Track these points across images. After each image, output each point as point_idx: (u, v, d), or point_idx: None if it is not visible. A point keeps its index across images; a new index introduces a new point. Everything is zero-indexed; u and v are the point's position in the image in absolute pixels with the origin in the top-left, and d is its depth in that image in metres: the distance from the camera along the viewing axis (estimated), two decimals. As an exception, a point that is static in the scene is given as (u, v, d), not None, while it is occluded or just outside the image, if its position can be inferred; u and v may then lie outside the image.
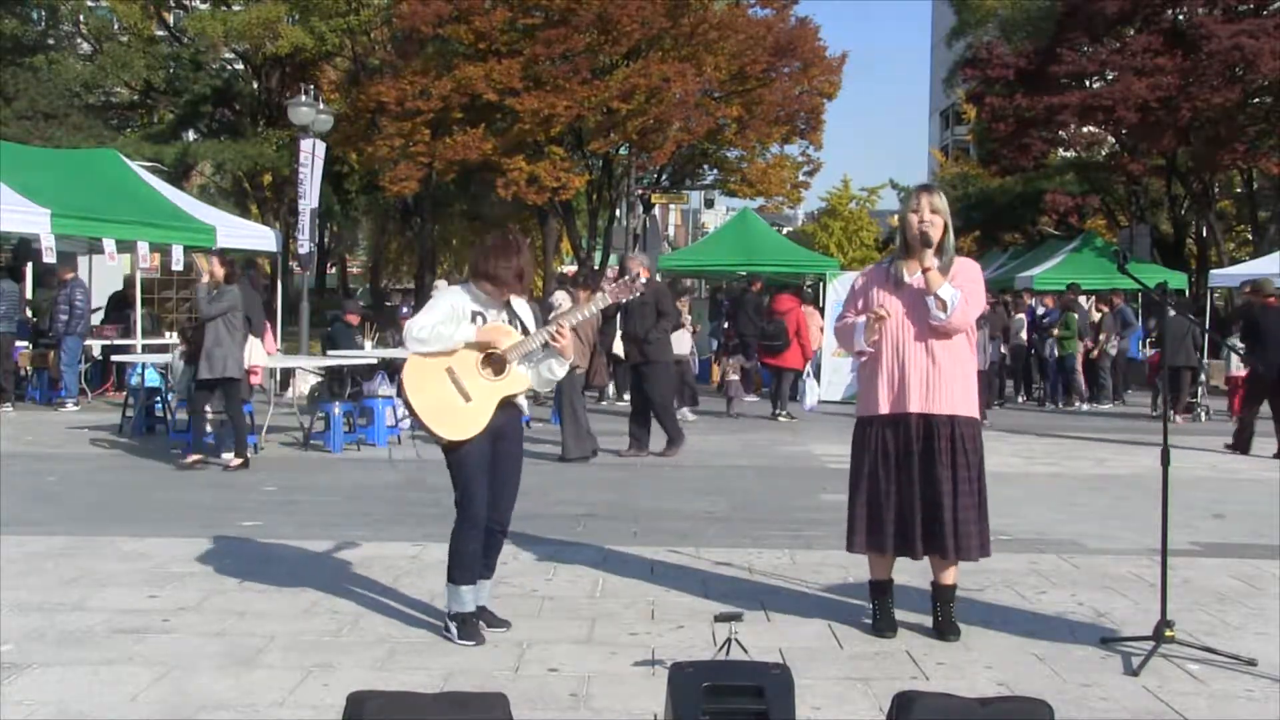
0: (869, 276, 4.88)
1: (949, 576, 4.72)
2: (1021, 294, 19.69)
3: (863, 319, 4.70)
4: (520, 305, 4.81)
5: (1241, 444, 11.52)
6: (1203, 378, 16.24)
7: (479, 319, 4.62)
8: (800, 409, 14.48)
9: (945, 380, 4.58)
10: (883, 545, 4.65)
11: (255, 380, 10.19)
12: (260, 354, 10.06)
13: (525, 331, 4.71)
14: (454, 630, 4.57)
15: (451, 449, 4.61)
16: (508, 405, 4.67)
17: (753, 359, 16.05)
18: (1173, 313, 12.95)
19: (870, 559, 4.80)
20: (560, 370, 4.78)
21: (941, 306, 4.54)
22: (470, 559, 4.60)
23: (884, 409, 4.63)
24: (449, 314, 4.61)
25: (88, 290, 14.68)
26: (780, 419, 14.01)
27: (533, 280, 6.30)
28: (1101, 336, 17.26)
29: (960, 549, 4.57)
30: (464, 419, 4.56)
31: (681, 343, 14.14)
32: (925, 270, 4.57)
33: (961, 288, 4.59)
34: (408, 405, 4.69)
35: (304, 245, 16.53)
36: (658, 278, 21.75)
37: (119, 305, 16.53)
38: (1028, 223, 32.22)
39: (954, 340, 4.63)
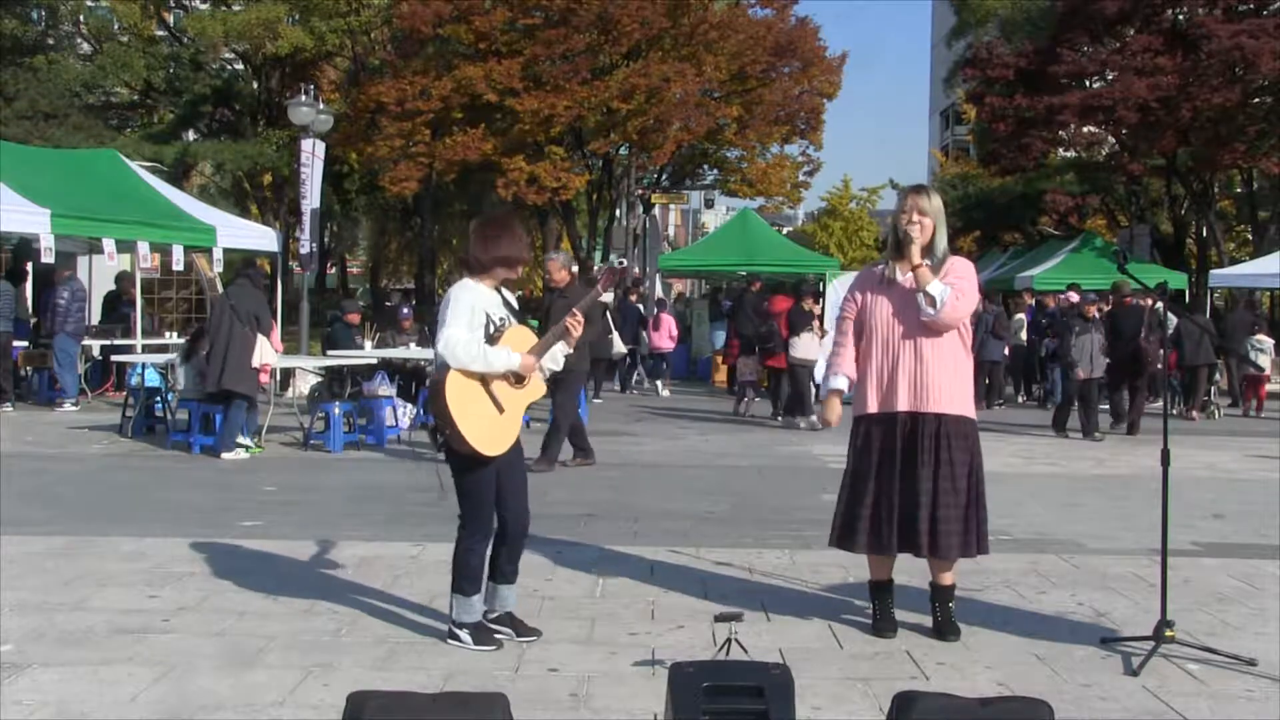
0: (861, 278, 4.95)
1: (948, 577, 4.73)
2: (1022, 294, 19.68)
3: (833, 385, 4.78)
4: (508, 295, 4.74)
5: (1130, 424, 12.67)
6: (1217, 377, 16.22)
7: (488, 318, 4.51)
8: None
9: (933, 379, 4.61)
10: (883, 545, 4.65)
11: (265, 380, 10.23)
12: (271, 353, 10.09)
13: (519, 319, 4.66)
14: (468, 639, 4.50)
15: (475, 462, 4.46)
16: None
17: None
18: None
19: (870, 559, 4.80)
20: (560, 360, 4.75)
21: (931, 303, 4.60)
22: (478, 569, 4.55)
23: (873, 407, 4.69)
24: (470, 317, 4.43)
25: (81, 289, 14.62)
26: (780, 420, 13.99)
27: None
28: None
29: (939, 547, 4.56)
30: (502, 432, 4.48)
31: (811, 348, 13.16)
32: (915, 268, 4.65)
33: (952, 284, 4.62)
34: (453, 429, 4.35)
35: (305, 245, 16.53)
36: (657, 285, 21.88)
37: (114, 304, 16.50)
38: (1028, 223, 32.24)
39: (944, 339, 4.65)
